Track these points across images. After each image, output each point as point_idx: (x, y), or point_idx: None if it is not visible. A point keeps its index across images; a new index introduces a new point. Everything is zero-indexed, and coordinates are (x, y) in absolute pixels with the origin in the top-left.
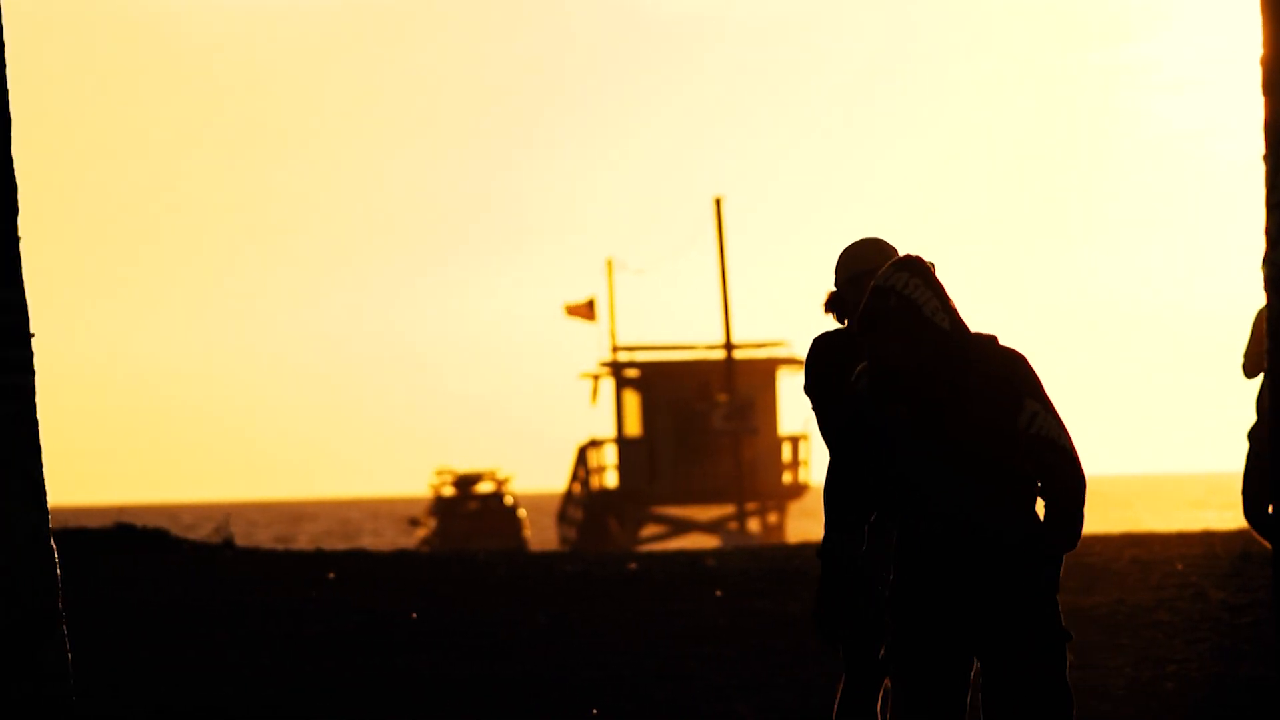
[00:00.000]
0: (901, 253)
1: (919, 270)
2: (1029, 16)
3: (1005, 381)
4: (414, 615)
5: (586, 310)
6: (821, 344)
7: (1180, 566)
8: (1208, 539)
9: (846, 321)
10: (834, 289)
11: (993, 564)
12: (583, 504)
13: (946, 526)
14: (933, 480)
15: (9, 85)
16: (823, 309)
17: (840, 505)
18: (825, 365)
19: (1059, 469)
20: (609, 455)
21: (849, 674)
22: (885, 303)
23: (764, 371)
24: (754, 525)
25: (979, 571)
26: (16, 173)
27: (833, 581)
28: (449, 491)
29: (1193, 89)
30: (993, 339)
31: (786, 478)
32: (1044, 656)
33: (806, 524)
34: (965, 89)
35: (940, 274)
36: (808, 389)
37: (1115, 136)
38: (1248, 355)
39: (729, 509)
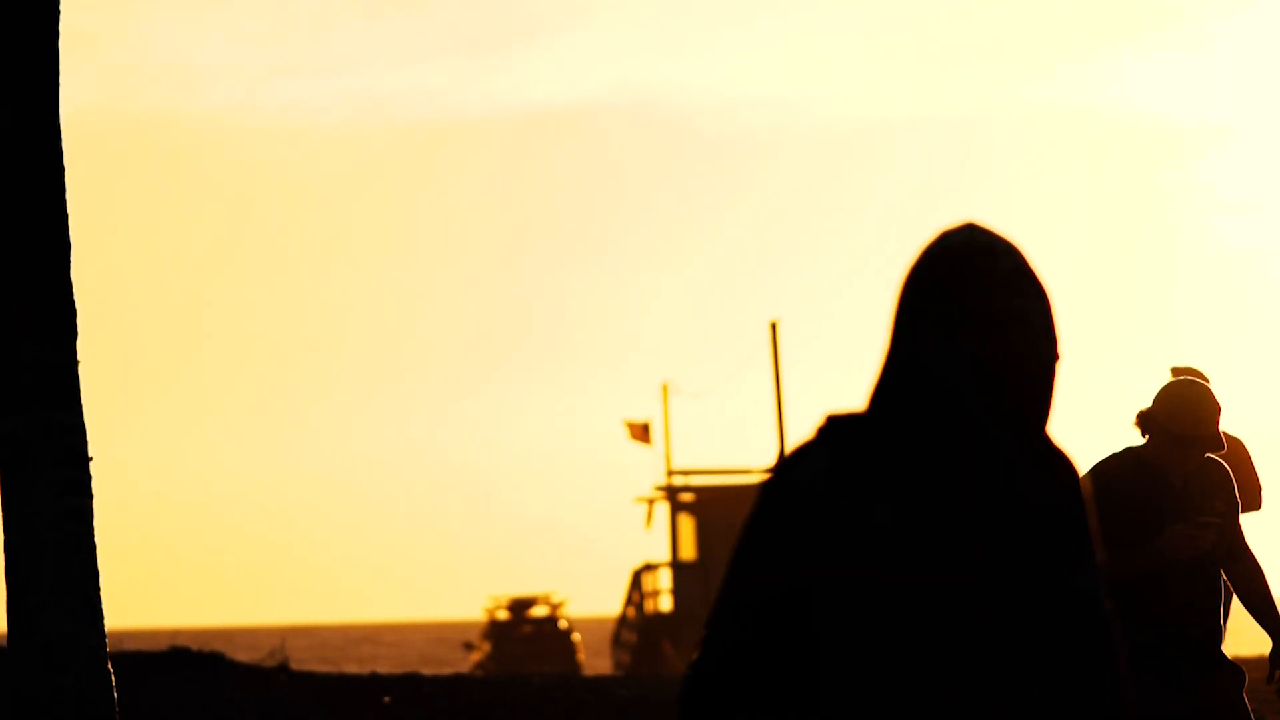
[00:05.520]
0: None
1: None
2: (1091, 136)
3: (1056, 498)
4: None
5: (642, 433)
6: (1112, 468)
7: None
8: None
9: (1147, 436)
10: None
11: None
12: (637, 628)
13: None
14: (943, 687)
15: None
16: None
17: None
18: (1118, 498)
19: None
20: (664, 579)
21: None
22: (1032, 290)
23: None
24: None
25: None
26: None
27: None
28: (503, 615)
29: (1256, 210)
30: None
31: None
32: None
33: None
34: (1026, 207)
35: None
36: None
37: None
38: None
39: None
